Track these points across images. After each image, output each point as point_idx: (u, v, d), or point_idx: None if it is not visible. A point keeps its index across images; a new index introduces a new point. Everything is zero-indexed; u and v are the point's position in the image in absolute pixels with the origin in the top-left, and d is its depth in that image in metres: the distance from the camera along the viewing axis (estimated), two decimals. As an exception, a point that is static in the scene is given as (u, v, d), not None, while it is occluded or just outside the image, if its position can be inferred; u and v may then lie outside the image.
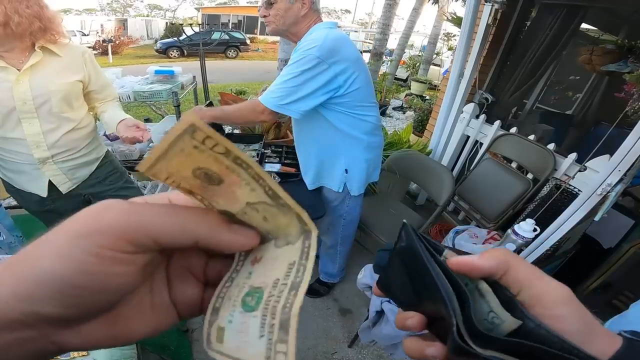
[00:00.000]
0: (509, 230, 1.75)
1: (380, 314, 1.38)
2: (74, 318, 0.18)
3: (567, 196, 1.86)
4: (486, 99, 2.47)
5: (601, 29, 3.26)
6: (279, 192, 0.20)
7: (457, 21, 4.72)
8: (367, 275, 1.37)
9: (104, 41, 12.61)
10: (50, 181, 1.36)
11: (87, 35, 16.20)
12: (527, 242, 1.69)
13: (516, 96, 2.54)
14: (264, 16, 1.31)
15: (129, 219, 0.18)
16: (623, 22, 3.01)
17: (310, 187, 1.61)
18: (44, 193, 1.37)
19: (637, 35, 2.54)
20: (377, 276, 1.21)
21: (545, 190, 1.99)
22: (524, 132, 2.26)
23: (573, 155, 1.89)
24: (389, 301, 1.32)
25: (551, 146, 2.03)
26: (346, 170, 1.50)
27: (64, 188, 1.40)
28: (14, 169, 1.32)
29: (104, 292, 0.18)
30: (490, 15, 2.19)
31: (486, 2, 2.17)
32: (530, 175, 2.11)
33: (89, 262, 0.17)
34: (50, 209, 1.45)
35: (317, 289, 2.03)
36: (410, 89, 8.21)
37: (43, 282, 0.16)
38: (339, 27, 1.39)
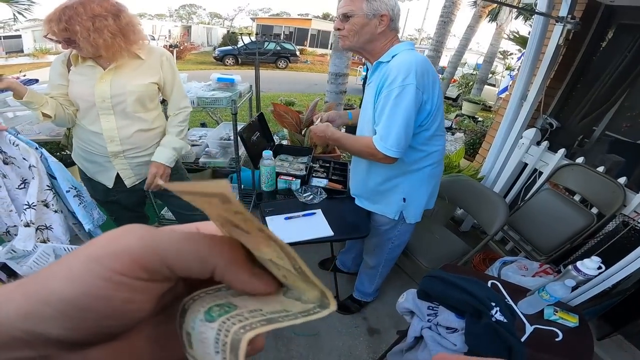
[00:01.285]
0: (570, 266, 1.60)
1: (418, 339, 1.32)
2: (78, 342, 0.17)
3: (635, 234, 1.72)
4: (550, 124, 2.32)
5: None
6: (307, 273, 0.20)
7: (521, 41, 4.50)
8: (409, 299, 1.32)
9: (170, 46, 13.63)
10: (117, 175, 1.49)
11: (157, 40, 17.60)
12: (588, 279, 1.55)
13: (584, 123, 2.36)
14: (338, 29, 1.25)
15: (145, 243, 0.17)
16: None
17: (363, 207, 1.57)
18: (110, 184, 1.51)
19: None
20: (420, 302, 1.16)
21: (611, 226, 1.82)
22: (590, 162, 2.09)
23: (646, 191, 1.71)
24: (429, 328, 1.26)
25: (622, 180, 1.85)
26: (404, 199, 1.43)
27: (128, 182, 1.53)
28: (89, 159, 1.46)
29: (112, 318, 0.17)
30: (561, 35, 2.06)
31: (557, 22, 2.04)
32: (594, 210, 1.94)
33: (99, 286, 0.16)
34: (114, 200, 1.59)
35: (348, 306, 1.99)
36: (461, 109, 7.92)
37: (49, 303, 0.16)
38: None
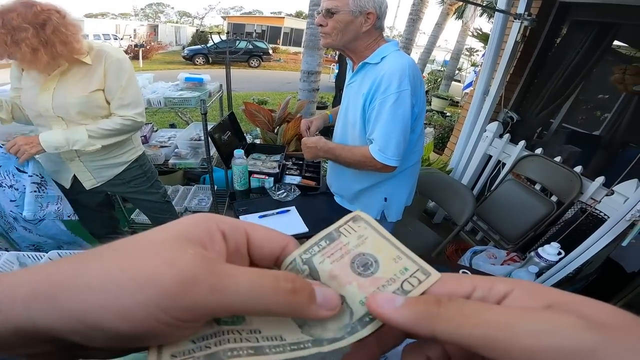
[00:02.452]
0: (532, 253, 1.70)
1: None
2: (97, 348, 0.17)
3: (593, 220, 1.82)
4: (511, 117, 2.43)
5: (634, 46, 3.16)
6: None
7: (483, 37, 4.69)
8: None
9: (136, 46, 13.15)
10: (75, 176, 1.44)
11: (121, 39, 16.93)
12: (550, 265, 1.65)
13: (542, 115, 2.49)
14: (320, 25, 1.17)
15: (216, 300, 0.17)
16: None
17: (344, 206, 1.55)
18: (66, 185, 1.46)
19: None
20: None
21: (570, 213, 1.93)
22: (549, 153, 2.21)
23: (600, 179, 1.84)
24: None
25: (578, 169, 1.97)
26: (385, 199, 1.42)
27: (87, 185, 1.48)
28: (47, 157, 1.40)
29: (143, 341, 0.17)
30: (519, 32, 2.17)
31: (515, 19, 2.15)
32: (554, 198, 2.05)
33: (155, 327, 0.16)
34: (74, 198, 1.52)
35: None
36: (430, 104, 8.16)
37: (86, 323, 0.16)
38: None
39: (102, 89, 1.29)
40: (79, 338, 0.16)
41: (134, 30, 19.41)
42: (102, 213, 1.73)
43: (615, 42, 2.76)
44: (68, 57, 1.18)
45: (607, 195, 1.77)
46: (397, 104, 1.11)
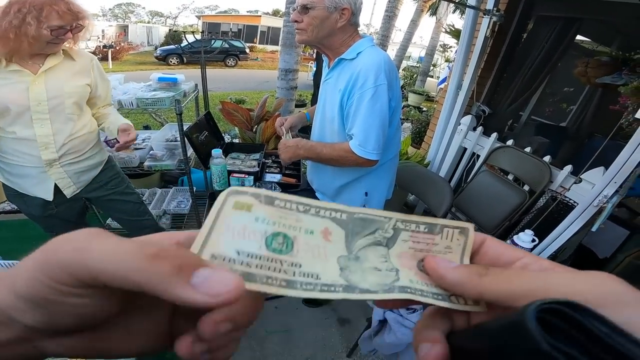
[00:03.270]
0: (508, 241, 1.76)
1: (383, 323, 1.37)
2: (50, 332, 0.19)
3: (563, 207, 1.88)
4: (483, 111, 2.51)
5: (596, 40, 3.32)
6: None
7: (456, 33, 4.81)
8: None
9: (104, 46, 12.69)
10: (55, 186, 1.38)
11: (88, 40, 16.25)
12: (525, 253, 1.71)
13: (512, 108, 2.58)
14: (296, 21, 1.19)
15: (76, 256, 0.17)
16: (617, 33, 3.08)
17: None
18: (49, 196, 1.39)
19: (631, 47, 2.59)
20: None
21: (542, 201, 2.01)
22: (520, 144, 2.29)
23: (568, 167, 1.92)
24: (392, 310, 1.32)
25: (547, 158, 2.06)
26: (366, 193, 1.44)
27: (68, 192, 1.42)
28: (19, 173, 1.33)
29: (66, 317, 0.18)
30: (488, 28, 2.24)
31: (484, 15, 2.22)
32: (526, 187, 2.13)
33: (45, 292, 0.17)
34: (52, 213, 1.46)
35: (315, 299, 2.01)
36: (407, 100, 8.30)
37: (18, 297, 0.18)
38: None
39: (89, 84, 1.36)
40: (24, 316, 0.18)
41: (102, 30, 18.70)
42: (80, 225, 1.67)
43: (578, 37, 2.90)
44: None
45: (575, 183, 1.85)
46: (374, 98, 1.12)
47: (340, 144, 1.26)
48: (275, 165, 1.91)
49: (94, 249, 0.17)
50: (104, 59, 12.08)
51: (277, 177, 1.77)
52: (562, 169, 1.95)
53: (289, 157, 1.36)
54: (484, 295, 0.21)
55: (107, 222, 2.18)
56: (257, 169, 1.74)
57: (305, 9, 1.14)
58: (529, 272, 0.21)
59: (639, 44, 2.03)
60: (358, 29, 1.24)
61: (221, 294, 0.17)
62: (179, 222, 2.34)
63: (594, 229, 1.61)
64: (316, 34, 1.17)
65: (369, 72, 1.12)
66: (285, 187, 1.69)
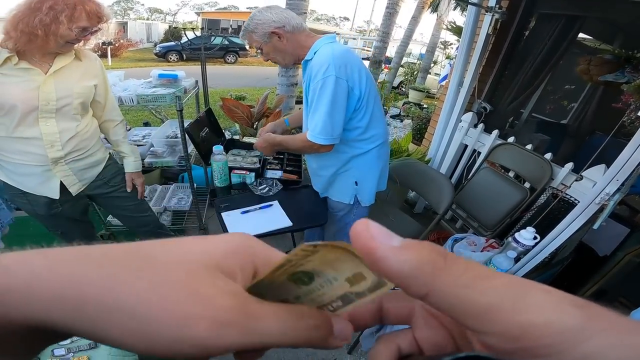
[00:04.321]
0: (510, 238, 1.76)
1: (383, 319, 1.38)
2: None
3: (564, 205, 1.89)
4: (484, 108, 2.50)
5: (598, 38, 3.31)
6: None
7: (457, 30, 4.79)
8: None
9: (103, 44, 12.61)
10: (60, 183, 1.38)
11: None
12: (527, 250, 1.71)
13: (514, 105, 2.57)
14: (267, 60, 1.37)
15: (244, 341, 0.17)
16: (620, 31, 3.06)
17: (321, 195, 1.63)
18: (56, 195, 1.38)
19: (634, 45, 2.58)
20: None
21: (543, 199, 2.01)
22: (521, 141, 2.29)
23: (569, 165, 1.92)
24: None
25: (548, 156, 2.05)
26: (356, 183, 1.50)
27: (74, 189, 1.43)
28: (24, 172, 1.32)
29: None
30: (490, 25, 2.23)
31: (487, 12, 2.21)
32: (527, 184, 2.13)
33: (170, 352, 0.17)
34: (57, 212, 1.46)
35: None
36: (408, 97, 8.28)
37: (100, 337, 0.16)
38: (337, 34, 1.42)
39: (97, 84, 1.36)
40: (69, 331, 0.16)
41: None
42: (83, 223, 1.68)
43: (581, 35, 2.89)
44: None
45: (576, 180, 1.84)
46: (322, 89, 1.22)
47: (301, 135, 1.39)
48: (277, 161, 1.90)
49: (263, 331, 0.18)
50: (103, 56, 12.02)
51: (278, 174, 1.77)
52: (563, 167, 1.95)
53: (270, 152, 1.52)
54: (431, 299, 0.15)
55: (107, 219, 2.18)
56: (259, 166, 1.74)
57: (260, 50, 1.32)
58: (500, 276, 0.15)
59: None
60: (305, 31, 1.33)
61: (349, 336, 0.21)
62: (179, 218, 2.34)
63: (595, 226, 1.61)
64: (282, 58, 1.34)
65: (319, 67, 1.21)
66: (286, 184, 1.69)
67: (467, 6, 2.37)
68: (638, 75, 1.93)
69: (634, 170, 1.47)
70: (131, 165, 1.59)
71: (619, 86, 2.11)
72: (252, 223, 1.42)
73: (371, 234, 0.16)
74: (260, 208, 1.50)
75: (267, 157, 1.91)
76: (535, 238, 1.64)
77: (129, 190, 1.61)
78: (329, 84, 1.20)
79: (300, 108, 1.66)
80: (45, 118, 1.23)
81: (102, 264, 0.17)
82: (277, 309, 0.18)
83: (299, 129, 1.75)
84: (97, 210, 2.15)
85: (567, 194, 1.90)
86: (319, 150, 1.33)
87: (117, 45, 13.61)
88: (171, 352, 0.16)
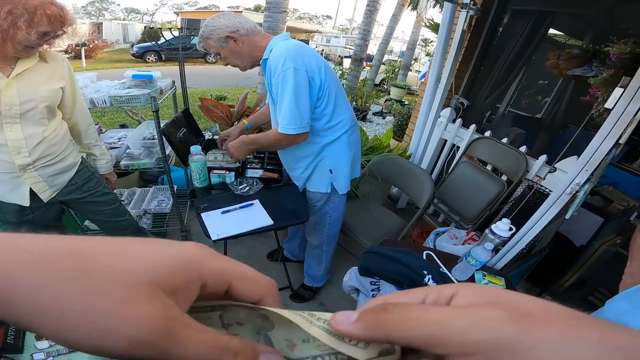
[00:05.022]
0: (487, 230, 1.79)
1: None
2: None
3: (539, 196, 1.94)
4: (462, 103, 2.55)
5: (568, 34, 3.42)
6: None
7: (435, 28, 4.84)
8: (352, 277, 1.38)
9: (77, 45, 12.20)
10: (30, 191, 1.33)
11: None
12: (504, 241, 1.74)
13: (489, 100, 2.64)
14: (227, 64, 1.41)
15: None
16: (587, 27, 3.17)
17: (300, 189, 1.66)
18: (26, 202, 1.33)
19: (601, 40, 2.68)
20: (362, 278, 1.20)
21: (519, 191, 2.07)
22: (497, 135, 2.35)
23: (543, 157, 1.98)
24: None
25: (523, 149, 2.11)
26: (331, 171, 1.53)
27: (44, 196, 1.37)
28: None
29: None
30: (465, 21, 2.27)
31: (462, 8, 2.25)
32: (504, 177, 2.19)
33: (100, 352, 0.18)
34: (29, 219, 1.41)
35: (302, 294, 2.02)
36: (389, 94, 8.36)
37: (45, 333, 0.17)
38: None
39: (63, 87, 1.31)
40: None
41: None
42: (57, 229, 1.62)
43: (551, 31, 2.97)
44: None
45: (550, 172, 1.91)
46: (283, 81, 1.25)
47: (272, 130, 1.42)
48: (257, 160, 1.89)
49: (180, 352, 0.18)
50: (77, 57, 11.63)
51: (258, 173, 1.76)
52: (537, 159, 2.01)
53: (242, 154, 1.51)
54: (393, 341, 0.19)
55: (84, 224, 2.12)
56: (239, 165, 1.72)
57: (219, 56, 1.36)
58: (427, 311, 0.19)
59: (608, 37, 2.09)
60: (260, 32, 1.37)
61: None
62: (160, 221, 2.30)
63: (567, 216, 1.66)
64: (241, 61, 1.38)
65: (277, 61, 1.25)
66: (267, 182, 1.68)
67: (444, 3, 2.40)
68: (604, 69, 2.00)
69: (602, 160, 1.53)
70: (104, 167, 1.62)
71: (587, 80, 2.18)
72: (232, 223, 1.40)
73: (336, 320, 0.21)
74: (240, 207, 1.49)
75: (248, 156, 1.89)
76: (511, 229, 1.68)
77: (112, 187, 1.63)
78: (289, 75, 1.23)
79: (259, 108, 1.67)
80: (10, 124, 1.18)
81: (39, 261, 0.17)
82: (203, 336, 0.19)
83: (266, 128, 1.79)
84: (73, 216, 2.08)
85: (542, 186, 1.96)
86: (296, 140, 1.36)
87: (91, 46, 13.18)
88: (98, 354, 0.17)
